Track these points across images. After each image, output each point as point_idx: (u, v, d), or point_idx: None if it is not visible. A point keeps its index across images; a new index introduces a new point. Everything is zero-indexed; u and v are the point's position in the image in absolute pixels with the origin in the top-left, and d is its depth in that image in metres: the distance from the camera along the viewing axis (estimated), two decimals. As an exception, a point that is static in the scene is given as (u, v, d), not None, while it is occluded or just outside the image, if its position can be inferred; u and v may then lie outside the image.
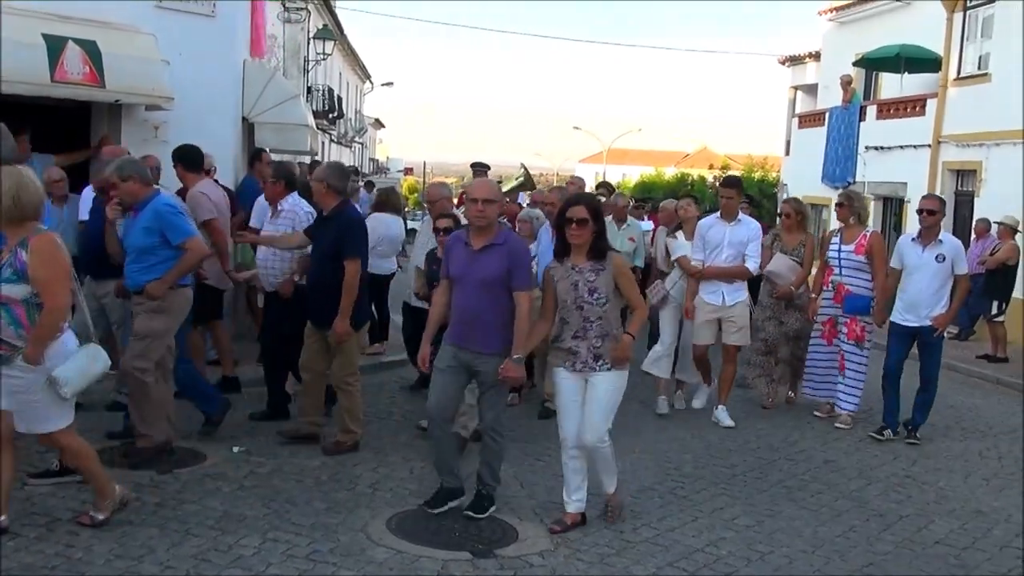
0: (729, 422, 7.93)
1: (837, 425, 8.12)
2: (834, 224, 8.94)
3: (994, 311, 12.50)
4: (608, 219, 9.60)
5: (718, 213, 8.05)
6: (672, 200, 10.26)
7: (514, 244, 5.45)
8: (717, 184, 12.59)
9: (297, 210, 7.23)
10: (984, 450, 7.85)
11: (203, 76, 10.01)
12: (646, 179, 41.46)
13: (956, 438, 8.18)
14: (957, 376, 11.60)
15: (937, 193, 16.56)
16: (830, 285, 8.28)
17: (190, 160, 7.60)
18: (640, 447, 7.14)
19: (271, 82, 11.72)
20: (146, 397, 5.95)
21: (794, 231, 8.72)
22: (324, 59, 23.19)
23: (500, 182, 12.07)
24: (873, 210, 19.04)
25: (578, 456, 5.30)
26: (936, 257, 7.58)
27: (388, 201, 10.08)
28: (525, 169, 11.54)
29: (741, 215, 8.01)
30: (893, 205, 18.73)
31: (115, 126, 9.87)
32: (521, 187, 12.47)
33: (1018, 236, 12.67)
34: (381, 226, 9.29)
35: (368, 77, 40.49)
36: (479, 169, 11.69)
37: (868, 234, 8.20)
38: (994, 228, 13.21)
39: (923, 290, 7.61)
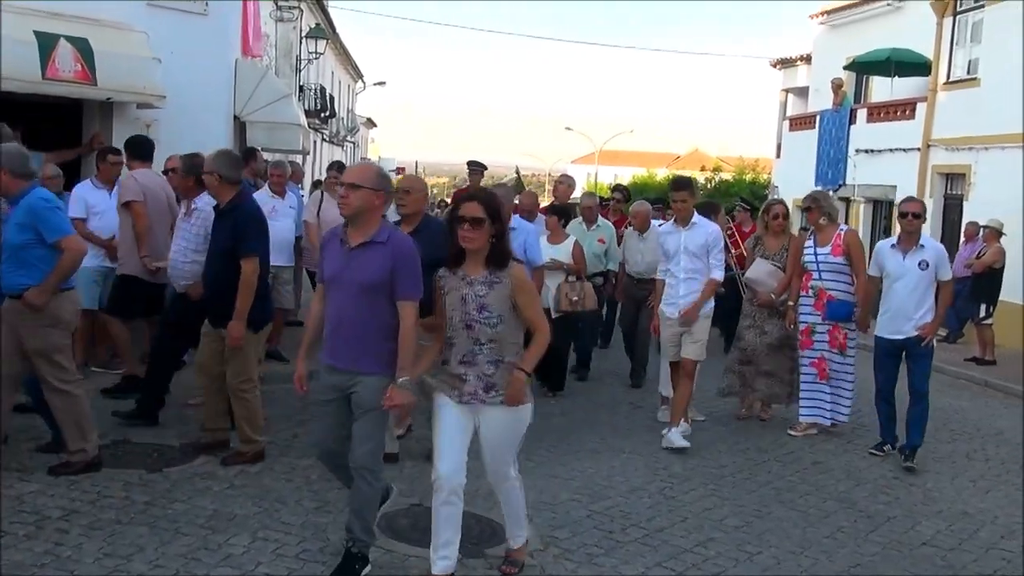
0: (682, 443, 7.12)
1: (792, 433, 7.88)
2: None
3: (982, 314, 12.57)
4: (577, 220, 9.56)
5: (674, 219, 7.50)
6: (644, 202, 10.14)
7: (399, 244, 4.45)
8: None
9: (212, 209, 6.40)
10: (971, 452, 7.90)
11: (195, 74, 10.03)
12: (638, 180, 41.60)
13: (944, 440, 8.23)
14: (945, 379, 11.66)
15: (926, 197, 16.72)
16: (809, 291, 7.85)
17: (137, 149, 7.57)
18: (629, 448, 7.16)
19: (263, 81, 11.74)
20: (80, 410, 5.64)
21: (779, 234, 8.32)
22: (316, 58, 23.16)
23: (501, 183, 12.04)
24: (863, 213, 19.18)
25: (453, 503, 4.38)
26: (919, 264, 7.08)
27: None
28: (518, 172, 11.51)
29: (696, 218, 7.33)
30: (883, 208, 18.81)
31: (107, 124, 9.88)
32: (511, 190, 12.41)
33: (1004, 239, 12.73)
34: None
35: (360, 76, 40.44)
36: (475, 168, 11.52)
37: (843, 233, 7.85)
38: (981, 232, 13.27)
39: (907, 300, 7.10)
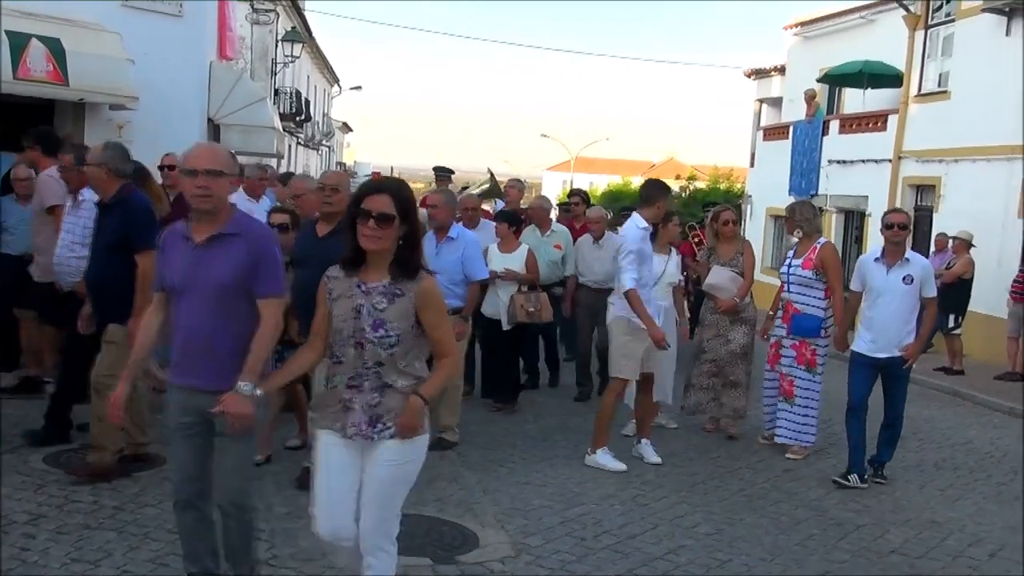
0: (655, 458, 7.02)
1: (789, 456, 7.47)
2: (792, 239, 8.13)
3: (951, 324, 12.70)
4: (531, 227, 9.19)
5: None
6: (600, 208, 9.93)
7: (256, 234, 3.89)
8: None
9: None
10: (940, 461, 7.98)
11: (169, 76, 9.99)
12: (613, 188, 41.72)
13: (912, 449, 8.30)
14: (915, 388, 11.68)
15: (898, 207, 16.89)
16: (780, 304, 7.72)
17: (46, 144, 7.18)
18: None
19: (238, 84, 11.71)
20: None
21: (732, 241, 8.17)
22: (292, 61, 23.09)
23: (466, 188, 11.91)
24: (835, 223, 19.33)
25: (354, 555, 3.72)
26: (904, 279, 6.72)
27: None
28: (492, 175, 11.29)
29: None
30: (855, 218, 18.98)
31: (79, 125, 9.81)
32: (487, 193, 12.26)
33: (973, 250, 12.88)
34: None
35: (336, 80, 40.33)
36: (442, 174, 11.34)
37: (818, 246, 7.53)
38: (950, 243, 13.43)
39: (891, 317, 6.76)
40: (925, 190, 16.67)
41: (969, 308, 12.83)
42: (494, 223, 8.73)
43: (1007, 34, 14.39)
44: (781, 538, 5.67)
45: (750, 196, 23.60)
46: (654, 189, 7.11)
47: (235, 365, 3.68)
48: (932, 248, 14.42)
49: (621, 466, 6.77)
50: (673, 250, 7.94)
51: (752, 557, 5.31)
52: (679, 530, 5.67)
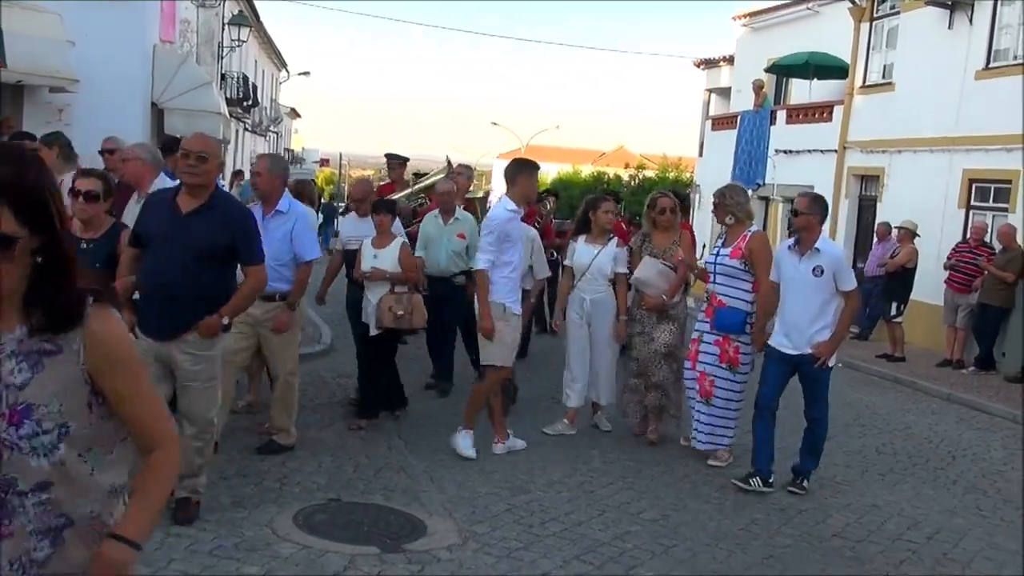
0: (470, 452, 6.61)
1: (711, 463, 6.91)
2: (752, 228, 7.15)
3: (893, 312, 12.96)
4: (433, 214, 8.46)
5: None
6: (450, 182, 8.87)
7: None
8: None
9: None
10: (880, 446, 8.13)
11: (110, 59, 9.81)
12: (563, 176, 41.80)
13: (855, 435, 8.45)
14: (857, 375, 12.00)
15: (842, 197, 17.16)
16: (705, 295, 7.14)
17: None
18: (550, 442, 7.19)
19: (182, 67, 11.53)
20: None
21: (668, 229, 7.45)
22: (239, 46, 22.77)
23: (424, 175, 11.68)
24: (782, 212, 19.57)
25: None
26: (813, 270, 6.15)
27: (303, 192, 9.95)
28: (449, 163, 10.92)
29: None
30: (800, 208, 19.22)
31: (17, 108, 9.59)
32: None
33: (917, 240, 13.13)
34: None
35: (284, 66, 39.86)
36: (395, 161, 11.04)
37: (748, 235, 6.89)
38: (894, 232, 13.68)
39: (800, 309, 6.22)
40: (869, 180, 16.95)
41: (912, 296, 13.09)
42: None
43: (949, 27, 14.67)
44: (725, 523, 5.73)
45: (698, 185, 23.79)
46: (513, 168, 6.75)
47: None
48: (875, 238, 14.71)
49: (471, 453, 6.63)
50: (612, 240, 7.53)
51: (697, 542, 5.37)
52: (625, 516, 5.71)
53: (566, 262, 7.78)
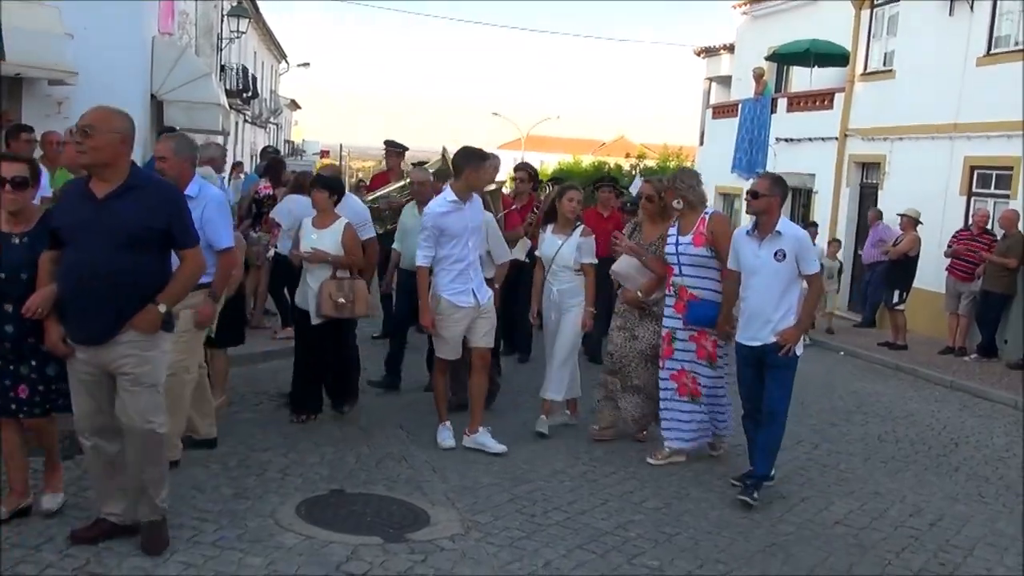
0: (498, 447, 6.51)
1: (712, 454, 6.82)
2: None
3: (895, 300, 12.94)
4: (410, 205, 8.21)
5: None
6: (425, 171, 8.57)
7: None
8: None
9: None
10: (883, 434, 8.13)
11: (109, 51, 9.79)
12: (564, 167, 41.74)
13: (857, 423, 8.45)
14: (859, 363, 12.02)
15: (843, 186, 17.12)
16: (671, 289, 6.63)
17: None
18: (551, 432, 7.17)
19: (181, 59, 11.52)
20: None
21: (657, 220, 6.96)
22: (238, 37, 22.73)
23: (423, 163, 11.45)
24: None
25: None
26: (775, 254, 5.81)
27: (304, 184, 9.92)
28: (444, 154, 10.53)
29: (474, 195, 6.54)
30: (801, 196, 19.21)
31: (15, 101, 9.58)
32: (439, 173, 11.01)
33: (919, 228, 13.11)
34: (297, 207, 8.84)
35: (284, 57, 39.82)
36: (392, 149, 10.69)
37: (706, 217, 6.51)
38: (897, 220, 13.65)
39: (763, 298, 5.85)
40: (870, 168, 16.91)
41: (914, 284, 13.08)
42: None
43: (950, 14, 14.61)
44: (727, 512, 5.73)
45: (700, 174, 23.73)
46: (459, 158, 6.52)
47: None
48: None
49: (501, 448, 6.51)
50: (578, 230, 7.04)
51: (699, 530, 5.37)
52: (628, 505, 5.71)
53: (536, 252, 7.47)
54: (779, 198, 5.93)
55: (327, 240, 6.78)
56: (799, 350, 5.97)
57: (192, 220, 4.52)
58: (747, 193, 6.00)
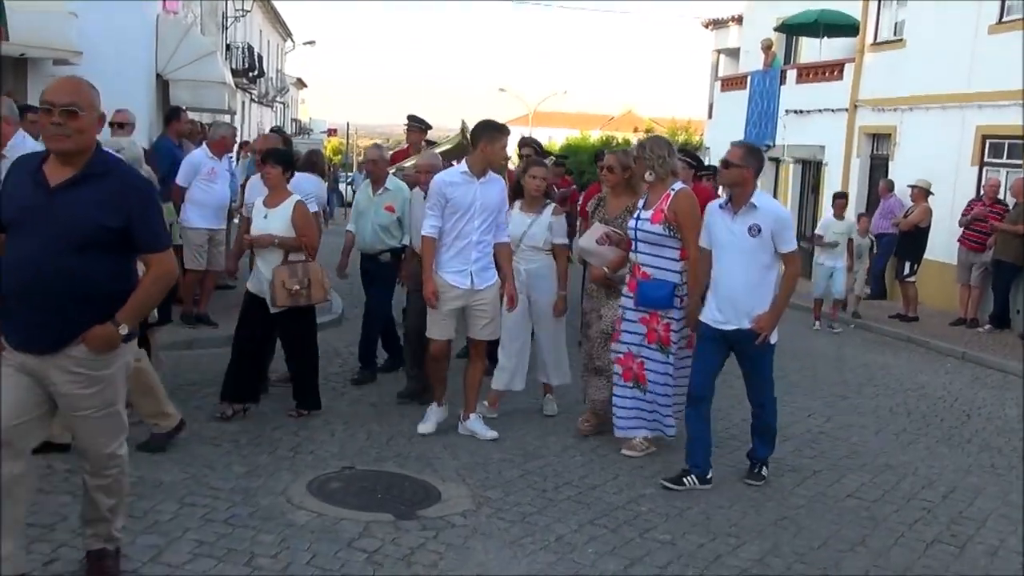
0: (490, 433, 6.27)
1: (625, 452, 6.12)
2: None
3: (906, 271, 12.88)
4: (365, 183, 7.83)
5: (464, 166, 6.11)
6: (435, 154, 7.91)
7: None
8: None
9: None
10: (894, 406, 8.10)
11: (114, 30, 9.75)
12: (571, 142, 41.57)
13: (868, 395, 8.43)
14: (870, 335, 11.98)
15: (853, 156, 17.00)
16: (628, 266, 6.18)
17: None
18: (563, 408, 7.15)
19: (186, 38, 11.47)
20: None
21: (621, 193, 6.43)
22: (243, 16, 22.65)
23: (434, 143, 11.12)
24: (792, 173, 19.43)
25: None
26: (748, 229, 5.35)
27: (314, 162, 9.86)
28: (464, 127, 9.51)
29: (492, 174, 6.13)
30: (812, 168, 19.09)
31: (20, 81, 9.55)
32: (456, 149, 9.02)
33: (930, 198, 13.02)
34: (308, 185, 8.63)
35: (290, 35, 39.68)
36: (414, 124, 9.74)
37: (672, 193, 5.90)
38: (908, 191, 13.55)
39: (736, 277, 5.39)
40: (881, 139, 16.79)
41: (925, 256, 13.01)
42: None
43: (961, -18, 14.43)
44: (739, 485, 5.72)
45: (708, 148, 23.62)
46: (476, 129, 6.16)
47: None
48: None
49: (492, 433, 6.27)
50: (547, 208, 6.71)
51: (710, 504, 5.36)
52: (639, 479, 5.70)
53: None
54: (753, 168, 5.46)
55: (277, 221, 6.29)
56: (774, 339, 5.51)
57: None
58: (719, 163, 5.59)
